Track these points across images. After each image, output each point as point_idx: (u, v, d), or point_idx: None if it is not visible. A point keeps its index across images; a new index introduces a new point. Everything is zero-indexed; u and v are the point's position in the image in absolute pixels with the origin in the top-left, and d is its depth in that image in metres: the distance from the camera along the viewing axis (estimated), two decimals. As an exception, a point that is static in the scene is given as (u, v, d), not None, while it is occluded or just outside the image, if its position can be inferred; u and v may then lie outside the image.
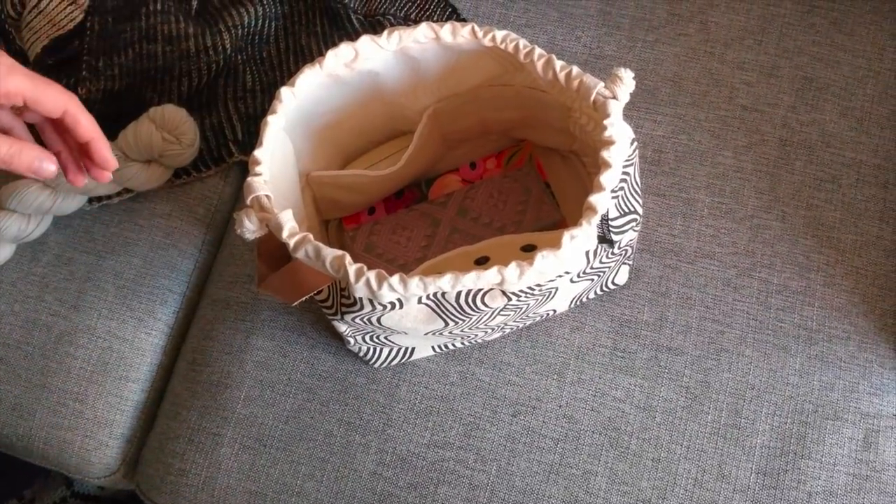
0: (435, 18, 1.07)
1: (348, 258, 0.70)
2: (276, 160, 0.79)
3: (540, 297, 0.79)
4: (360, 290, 0.72)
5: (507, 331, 0.93)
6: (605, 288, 0.93)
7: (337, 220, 0.99)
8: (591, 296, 0.94)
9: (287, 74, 1.07)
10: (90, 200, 1.03)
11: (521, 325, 0.92)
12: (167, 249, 1.03)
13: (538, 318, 0.92)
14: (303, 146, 0.88)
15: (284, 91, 0.78)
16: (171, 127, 0.98)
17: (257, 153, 0.75)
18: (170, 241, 1.03)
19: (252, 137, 1.05)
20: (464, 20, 1.07)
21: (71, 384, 0.98)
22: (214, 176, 1.06)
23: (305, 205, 0.91)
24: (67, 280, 1.01)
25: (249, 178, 0.74)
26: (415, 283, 0.71)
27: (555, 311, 0.91)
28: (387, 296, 0.72)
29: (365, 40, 0.81)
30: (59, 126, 0.75)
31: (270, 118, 0.77)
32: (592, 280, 0.86)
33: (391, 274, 0.91)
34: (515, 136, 0.99)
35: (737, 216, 0.97)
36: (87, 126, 0.73)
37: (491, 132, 0.98)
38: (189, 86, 1.04)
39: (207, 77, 1.04)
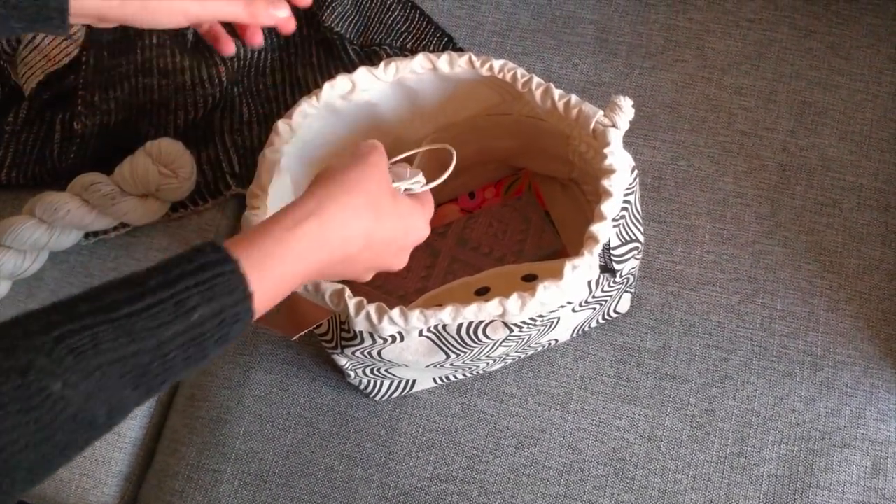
0: (431, 48, 1.07)
1: (348, 292, 0.71)
2: (274, 193, 0.79)
3: (542, 328, 0.79)
4: (360, 324, 0.72)
5: (509, 361, 0.92)
6: (607, 316, 0.93)
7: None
8: (594, 324, 0.94)
9: (284, 106, 1.07)
10: (86, 235, 1.03)
11: (522, 356, 0.92)
12: (164, 284, 1.02)
13: (540, 348, 0.92)
14: (301, 178, 0.88)
15: (281, 124, 0.79)
16: (167, 161, 0.98)
17: (255, 187, 0.75)
18: (167, 275, 1.03)
19: (249, 170, 1.05)
20: (460, 49, 1.07)
21: (68, 422, 0.97)
22: (212, 209, 1.06)
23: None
24: (64, 316, 1.01)
25: (247, 213, 0.74)
26: (415, 315, 0.70)
27: (557, 340, 0.91)
28: (387, 329, 0.72)
29: (362, 72, 0.81)
30: None
31: (268, 152, 0.78)
32: (594, 309, 0.86)
33: (391, 306, 0.91)
34: (514, 164, 0.99)
35: (738, 242, 0.97)
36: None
37: (489, 161, 0.98)
38: (185, 119, 1.05)
39: (204, 110, 1.05)
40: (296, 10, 1.11)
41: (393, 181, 0.71)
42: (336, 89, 0.81)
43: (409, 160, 0.79)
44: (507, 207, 0.96)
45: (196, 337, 0.52)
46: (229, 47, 0.80)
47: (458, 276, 0.93)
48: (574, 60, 1.07)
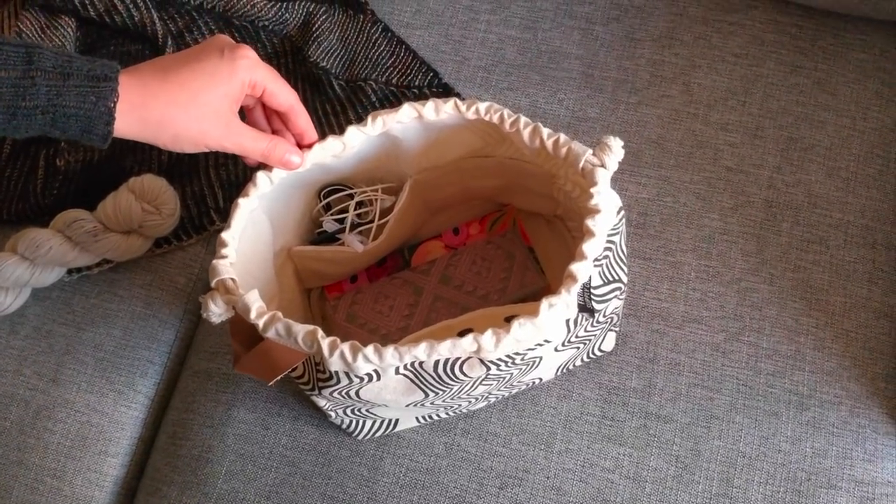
0: (417, 83, 1.09)
1: (320, 332, 0.72)
2: (247, 239, 0.81)
3: (523, 367, 0.80)
4: (335, 364, 0.73)
5: (493, 400, 0.93)
6: (591, 355, 0.94)
7: (319, 288, 1.00)
8: (578, 363, 0.95)
9: (269, 141, 1.09)
10: (69, 272, 1.04)
11: (506, 394, 0.93)
12: (147, 320, 1.04)
13: (524, 387, 0.92)
14: (283, 221, 0.89)
15: (260, 175, 0.81)
16: (150, 197, 0.99)
17: (224, 235, 0.77)
18: (150, 311, 1.04)
19: (234, 205, 1.06)
20: (446, 84, 1.09)
21: (49, 460, 0.98)
22: (196, 244, 1.08)
23: (287, 276, 0.93)
24: (46, 353, 1.02)
25: (214, 261, 0.75)
26: (390, 352, 0.72)
27: (541, 379, 0.92)
28: (363, 367, 0.73)
29: (352, 132, 0.83)
30: (269, 110, 0.84)
31: (242, 201, 0.79)
32: (578, 348, 0.87)
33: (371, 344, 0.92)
34: (499, 200, 1.01)
35: (724, 279, 0.98)
36: (304, 122, 0.83)
37: (474, 198, 0.99)
38: (169, 154, 1.06)
39: (188, 145, 1.06)
40: (281, 44, 1.13)
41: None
42: (326, 150, 0.83)
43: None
44: (491, 245, 0.97)
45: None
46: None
47: (441, 314, 0.94)
48: (559, 96, 1.08)
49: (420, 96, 1.08)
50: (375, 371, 0.75)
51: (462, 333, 0.88)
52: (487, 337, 0.72)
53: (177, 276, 1.06)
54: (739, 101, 1.06)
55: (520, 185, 0.94)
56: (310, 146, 0.83)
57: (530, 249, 0.98)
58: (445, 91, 1.09)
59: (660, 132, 1.05)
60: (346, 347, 0.71)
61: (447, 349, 0.72)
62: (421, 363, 0.75)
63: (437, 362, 0.74)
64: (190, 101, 0.73)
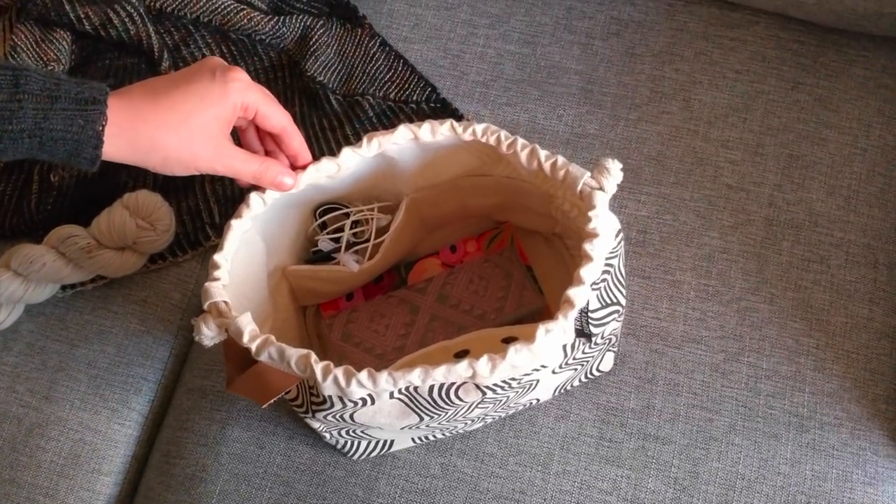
0: (415, 97, 1.08)
1: (313, 356, 0.71)
2: (241, 260, 0.80)
3: (519, 390, 0.80)
4: (328, 388, 0.72)
5: (489, 420, 0.93)
6: (589, 375, 0.94)
7: (314, 306, 0.99)
8: (576, 383, 0.94)
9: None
10: (63, 287, 1.04)
11: (503, 415, 0.92)
12: (142, 336, 1.03)
13: (521, 408, 0.92)
14: (278, 240, 0.89)
15: (254, 196, 0.80)
16: (145, 213, 0.99)
17: (217, 257, 0.76)
18: (144, 328, 1.03)
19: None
20: (443, 99, 1.08)
21: (41, 479, 0.98)
22: (191, 260, 1.07)
23: (281, 295, 0.92)
24: (39, 370, 1.01)
25: (207, 284, 0.75)
26: (384, 378, 0.71)
27: (538, 399, 0.91)
28: (356, 392, 0.72)
29: (347, 153, 0.82)
30: (262, 131, 0.84)
31: (234, 223, 0.79)
32: (576, 370, 0.87)
33: (368, 364, 0.92)
34: (497, 218, 1.00)
35: (724, 299, 0.97)
36: (297, 144, 0.82)
37: (471, 215, 0.99)
38: (165, 169, 1.05)
39: (184, 160, 1.06)
40: (278, 58, 1.13)
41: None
42: (321, 171, 0.82)
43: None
44: (489, 263, 0.96)
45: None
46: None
47: (437, 333, 0.93)
48: (559, 111, 1.08)
49: (418, 111, 1.08)
50: (370, 395, 0.74)
51: (458, 355, 0.88)
52: (483, 363, 0.71)
53: (172, 291, 1.05)
54: (740, 118, 1.05)
55: (518, 204, 0.93)
56: (304, 167, 0.83)
57: (528, 268, 0.97)
58: (443, 106, 1.08)
59: (659, 149, 1.05)
60: (339, 372, 0.71)
61: (442, 374, 0.72)
62: (416, 388, 0.74)
63: (431, 387, 0.74)
64: (180, 124, 0.73)
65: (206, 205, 1.06)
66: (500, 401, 0.81)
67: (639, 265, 1.00)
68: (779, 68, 1.07)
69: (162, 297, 1.05)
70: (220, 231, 1.05)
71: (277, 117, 0.79)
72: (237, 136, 0.83)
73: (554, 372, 0.82)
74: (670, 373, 0.95)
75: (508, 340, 0.88)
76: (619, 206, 1.02)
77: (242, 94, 0.75)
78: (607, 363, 0.94)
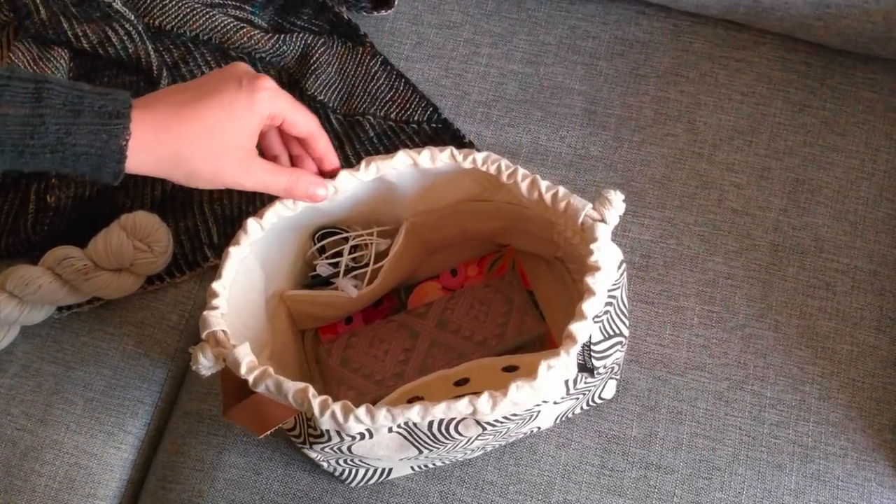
0: (416, 117, 1.07)
1: (311, 391, 0.70)
2: (239, 286, 0.80)
3: (520, 422, 0.79)
4: (326, 423, 0.72)
5: (489, 448, 0.92)
6: (591, 403, 0.93)
7: (313, 329, 0.98)
8: (578, 411, 0.93)
9: (265, 175, 1.07)
10: (59, 309, 1.03)
11: (503, 443, 0.91)
12: (138, 359, 1.02)
13: (522, 435, 0.91)
14: (277, 265, 0.88)
15: (251, 223, 0.79)
16: (142, 235, 0.98)
17: (215, 286, 0.76)
18: (141, 349, 1.03)
19: (228, 240, 1.04)
20: (445, 119, 1.07)
21: (36, 503, 0.97)
22: (189, 281, 1.06)
23: (280, 320, 0.91)
24: (35, 392, 1.01)
25: (205, 313, 0.74)
26: (382, 414, 0.70)
27: (539, 427, 0.90)
28: (354, 427, 0.71)
29: (344, 176, 0.81)
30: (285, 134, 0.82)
31: (232, 250, 0.78)
32: (577, 399, 0.86)
33: (367, 390, 0.91)
34: (498, 241, 0.99)
35: (728, 325, 0.96)
36: (324, 146, 0.81)
37: (472, 239, 0.98)
38: (163, 190, 1.05)
39: (182, 180, 1.05)
40: (278, 76, 1.12)
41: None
42: None
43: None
44: (490, 288, 0.96)
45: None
46: None
47: (437, 359, 0.92)
48: (561, 133, 1.07)
49: (419, 131, 1.07)
50: (368, 430, 0.73)
51: (458, 383, 0.87)
52: (484, 400, 0.70)
53: (169, 313, 1.04)
54: (745, 141, 1.04)
55: (519, 228, 0.93)
56: (332, 174, 0.81)
57: (529, 293, 0.96)
58: (445, 127, 1.07)
59: (664, 172, 1.04)
60: (337, 408, 0.70)
61: (442, 411, 0.71)
62: (415, 423, 0.73)
63: (431, 422, 0.73)
64: (205, 137, 0.71)
65: (205, 225, 1.05)
66: (501, 432, 0.80)
67: (642, 290, 0.99)
68: (785, 90, 1.06)
69: (159, 319, 1.04)
70: (218, 252, 1.04)
71: (305, 123, 0.77)
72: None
73: (555, 402, 0.81)
74: (673, 400, 0.94)
75: (509, 369, 0.87)
76: (622, 230, 1.01)
77: (270, 104, 0.74)
78: (609, 391, 0.93)
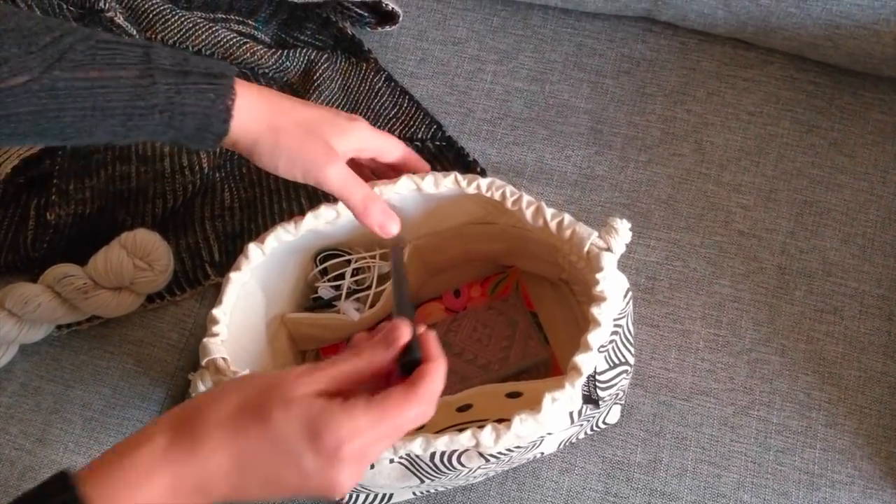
0: (420, 135, 1.07)
1: None
2: (239, 310, 0.79)
3: (523, 451, 0.78)
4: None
5: (492, 474, 0.91)
6: (595, 428, 0.92)
7: (314, 350, 0.98)
8: (581, 436, 0.92)
9: (267, 191, 1.06)
10: (59, 327, 1.02)
11: (506, 468, 0.91)
12: (138, 378, 1.02)
13: (524, 461, 0.90)
14: (278, 288, 0.88)
15: (253, 248, 0.79)
16: (143, 253, 0.97)
17: (216, 312, 0.75)
18: (141, 368, 1.02)
19: (230, 257, 1.04)
20: (449, 137, 1.06)
21: (33, 524, 0.96)
22: (189, 299, 1.05)
23: (280, 342, 0.91)
24: (33, 411, 1.00)
25: (206, 340, 0.73)
26: None
27: (542, 453, 0.90)
28: None
29: None
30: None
31: (234, 276, 0.77)
32: (581, 425, 0.85)
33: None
34: (502, 262, 0.98)
35: (734, 350, 0.95)
36: (417, 166, 0.84)
37: (476, 259, 0.98)
38: (164, 207, 1.04)
39: (184, 197, 1.04)
40: (281, 92, 1.11)
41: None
42: (321, 218, 0.81)
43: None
44: (493, 311, 0.95)
45: None
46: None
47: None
48: (567, 151, 1.06)
49: (423, 149, 1.06)
50: None
51: (461, 409, 0.86)
52: (487, 433, 0.70)
53: (169, 331, 1.04)
54: (753, 162, 1.04)
55: (523, 250, 0.92)
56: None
57: (533, 314, 0.96)
58: (449, 144, 1.06)
59: (670, 192, 1.03)
60: None
61: (444, 444, 0.70)
62: (417, 455, 0.72)
63: (433, 454, 0.72)
64: (300, 113, 0.74)
65: (206, 242, 1.05)
66: (504, 461, 0.79)
67: (647, 313, 0.98)
68: (793, 110, 1.06)
69: (159, 337, 1.03)
70: (220, 269, 1.04)
71: (394, 151, 0.81)
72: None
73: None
74: (678, 426, 0.93)
75: (513, 395, 0.87)
76: (627, 252, 1.00)
77: (362, 143, 0.78)
78: (614, 415, 0.92)
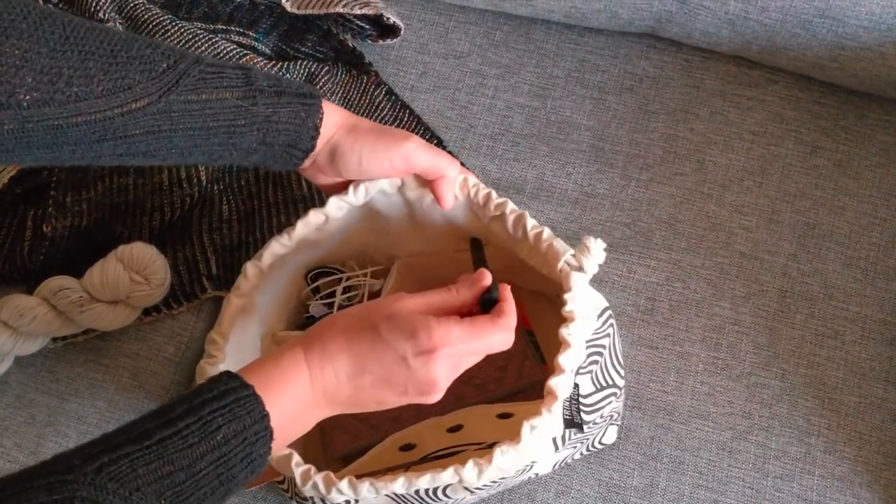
0: (420, 150, 1.06)
1: (295, 458, 0.70)
2: (235, 328, 0.79)
3: (512, 476, 0.77)
4: (308, 492, 0.71)
5: (486, 495, 0.90)
6: (591, 448, 0.91)
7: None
8: (577, 457, 0.92)
9: (265, 204, 1.06)
10: (55, 339, 1.02)
11: (500, 490, 0.90)
12: (134, 392, 1.01)
13: (518, 482, 0.90)
14: (270, 306, 0.87)
15: (250, 267, 0.79)
16: (139, 267, 0.97)
17: (214, 335, 0.75)
18: (137, 382, 1.02)
19: (227, 270, 1.04)
20: (450, 153, 1.06)
21: (26, 537, 0.96)
22: (186, 312, 1.05)
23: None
24: (28, 423, 1.00)
25: (202, 363, 0.73)
26: (366, 487, 0.70)
27: (537, 473, 0.89)
28: (336, 498, 0.71)
29: (334, 202, 0.81)
30: None
31: (233, 296, 0.78)
32: (576, 447, 0.84)
33: (362, 435, 0.90)
34: (499, 279, 0.97)
35: (733, 373, 0.95)
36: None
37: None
38: (161, 220, 1.04)
39: (181, 210, 1.04)
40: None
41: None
42: (310, 224, 0.81)
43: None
44: (490, 331, 0.94)
45: (223, 455, 0.60)
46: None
47: (434, 403, 0.91)
48: (568, 169, 1.05)
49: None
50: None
51: (452, 430, 0.86)
52: (469, 469, 0.69)
53: (165, 345, 1.04)
54: (756, 182, 1.03)
55: (521, 265, 0.91)
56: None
57: (530, 332, 0.95)
58: (449, 160, 1.06)
59: (671, 212, 1.02)
60: (319, 479, 0.69)
61: (427, 482, 0.70)
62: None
63: (417, 490, 0.72)
64: (374, 123, 0.79)
65: (204, 255, 1.04)
66: (494, 487, 0.79)
67: (646, 334, 0.97)
68: (797, 131, 1.05)
69: (155, 351, 1.03)
70: (217, 283, 1.03)
71: (447, 168, 0.81)
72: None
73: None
74: (676, 450, 0.93)
75: (504, 416, 0.86)
76: (627, 272, 1.00)
77: (412, 162, 0.79)
78: (610, 436, 0.92)
